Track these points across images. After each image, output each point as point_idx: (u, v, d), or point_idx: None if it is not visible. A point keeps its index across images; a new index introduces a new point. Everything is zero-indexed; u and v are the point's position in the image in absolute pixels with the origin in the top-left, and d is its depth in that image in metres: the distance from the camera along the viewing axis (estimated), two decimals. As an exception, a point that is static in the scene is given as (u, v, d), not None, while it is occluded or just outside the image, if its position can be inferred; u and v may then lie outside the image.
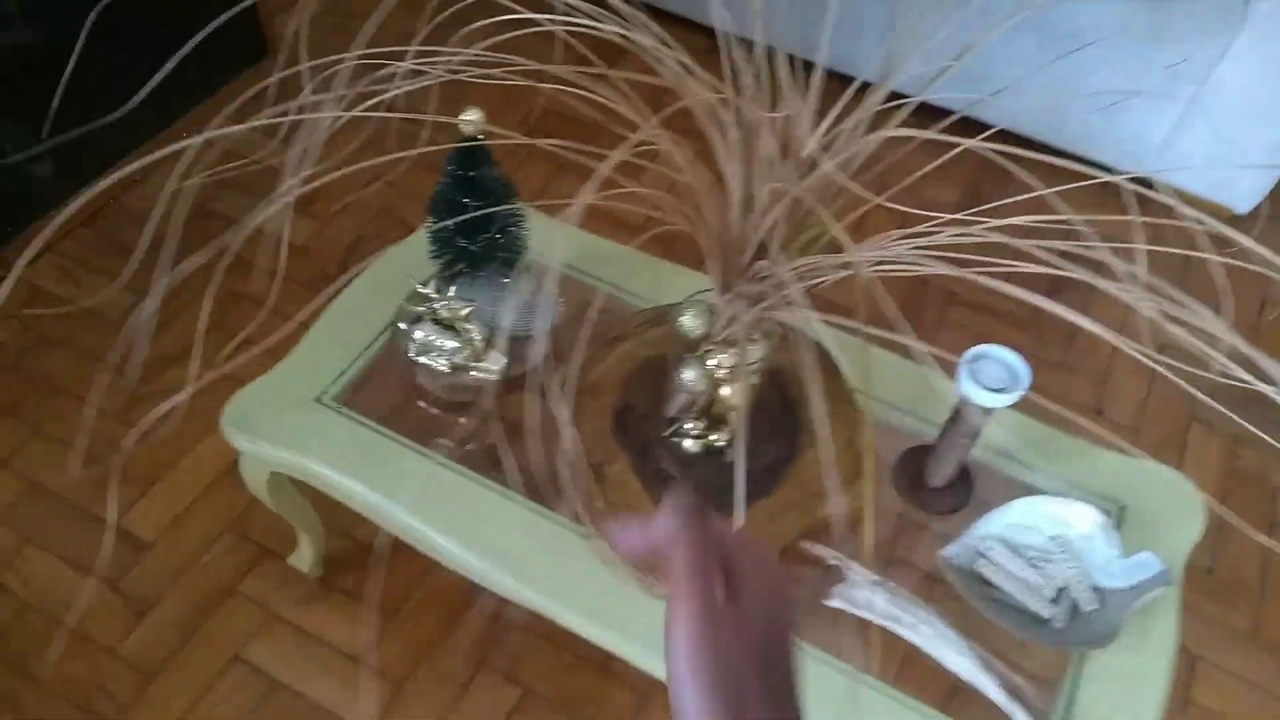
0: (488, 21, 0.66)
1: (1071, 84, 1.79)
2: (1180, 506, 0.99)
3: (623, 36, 0.67)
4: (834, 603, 0.89)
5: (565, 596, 0.89)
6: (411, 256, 1.12)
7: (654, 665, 0.87)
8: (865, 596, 0.88)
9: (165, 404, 0.65)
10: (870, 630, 0.88)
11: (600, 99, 0.70)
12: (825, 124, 0.71)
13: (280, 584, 1.27)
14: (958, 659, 0.83)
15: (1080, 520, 0.92)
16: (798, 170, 0.74)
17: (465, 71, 0.67)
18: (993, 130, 0.66)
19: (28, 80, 1.44)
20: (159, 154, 0.60)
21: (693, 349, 0.86)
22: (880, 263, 0.66)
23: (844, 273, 0.68)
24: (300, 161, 0.65)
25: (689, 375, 0.86)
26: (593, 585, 0.89)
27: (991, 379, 0.86)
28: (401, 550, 1.32)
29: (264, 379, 1.03)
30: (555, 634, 1.23)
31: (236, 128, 0.63)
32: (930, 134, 0.65)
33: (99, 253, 1.64)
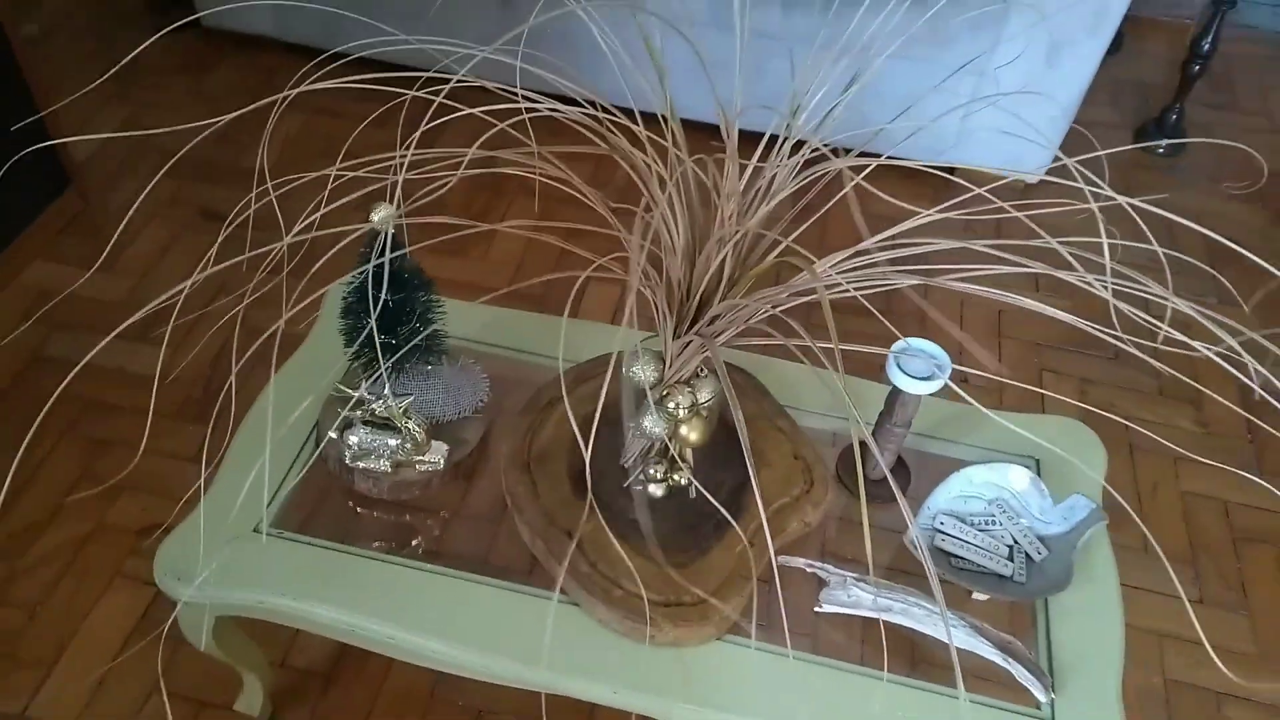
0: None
1: (868, 97, 1.94)
2: (1083, 449, 1.10)
3: (554, 111, 0.69)
4: (826, 609, 0.93)
5: (570, 668, 0.89)
6: (311, 364, 1.09)
7: (662, 710, 0.87)
8: (852, 595, 0.92)
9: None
10: (871, 627, 0.92)
11: (538, 175, 0.72)
12: (747, 176, 0.75)
13: (227, 735, 1.19)
14: (955, 631, 0.89)
15: (1012, 480, 1.01)
16: (731, 221, 0.78)
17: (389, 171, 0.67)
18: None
19: None
20: None
21: (642, 397, 0.89)
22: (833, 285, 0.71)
23: (809, 298, 0.73)
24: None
25: (651, 423, 0.88)
26: (593, 649, 0.89)
27: (917, 369, 0.94)
28: (348, 662, 1.26)
29: (189, 521, 0.96)
30: (524, 708, 1.21)
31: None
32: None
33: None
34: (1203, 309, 0.64)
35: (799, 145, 0.81)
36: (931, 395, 0.93)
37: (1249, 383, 0.62)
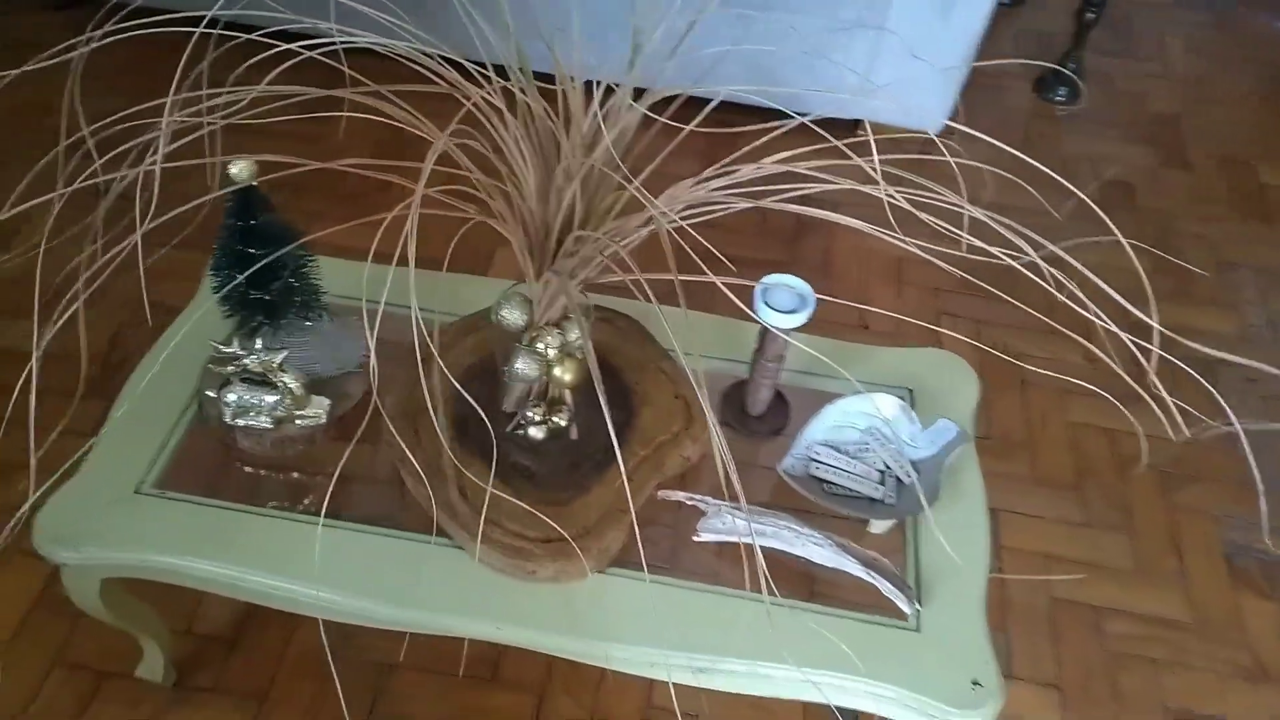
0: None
1: (770, 52, 1.97)
2: (954, 378, 1.14)
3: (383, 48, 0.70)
4: (703, 537, 0.96)
5: (450, 607, 0.90)
6: (197, 326, 1.09)
7: (548, 644, 0.90)
8: (727, 523, 0.95)
9: None
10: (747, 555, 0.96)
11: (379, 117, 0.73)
12: (593, 110, 0.77)
13: (132, 702, 1.19)
14: (820, 551, 0.92)
15: (883, 408, 1.05)
16: (580, 153, 0.79)
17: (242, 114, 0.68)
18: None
19: None
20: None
21: (514, 341, 0.90)
22: (683, 210, 0.73)
23: (648, 229, 0.75)
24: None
25: (522, 365, 0.90)
26: (474, 588, 0.91)
27: (784, 303, 0.97)
28: (251, 627, 1.27)
29: (71, 484, 0.96)
30: (432, 662, 1.23)
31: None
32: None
33: None
34: (996, 217, 0.68)
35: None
36: (798, 330, 0.96)
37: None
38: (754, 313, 0.96)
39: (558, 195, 0.78)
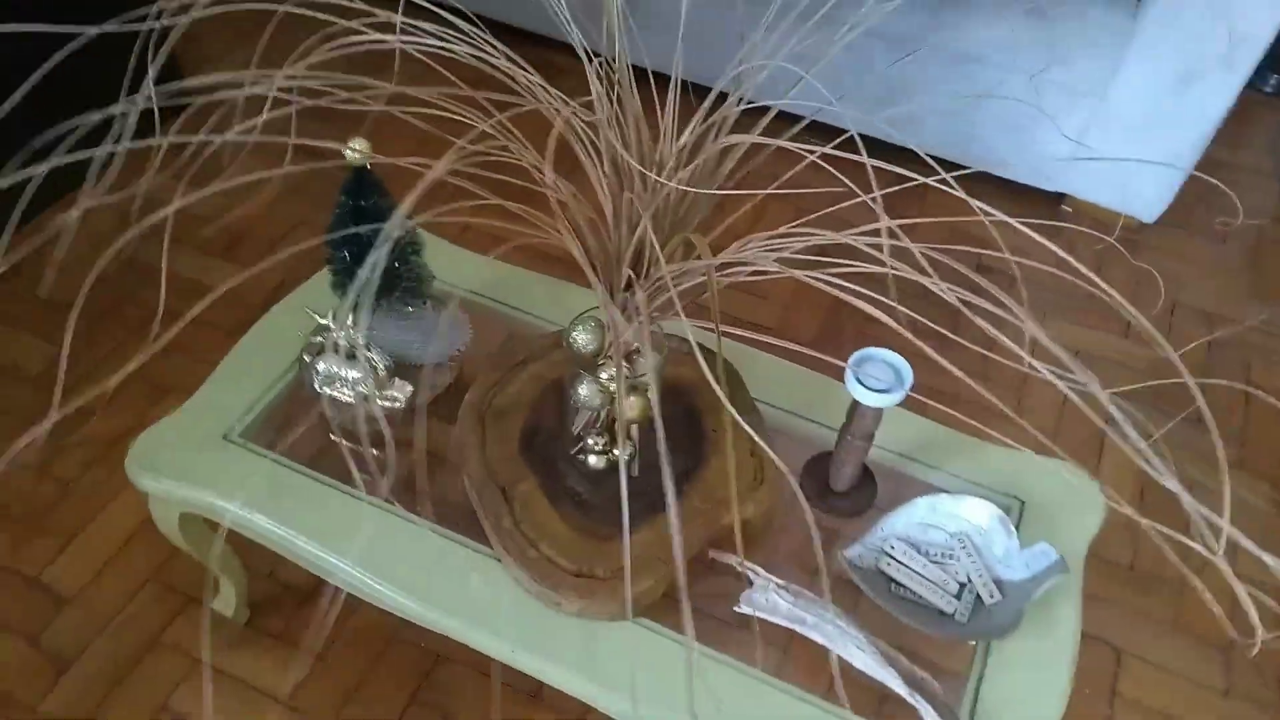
0: (333, 47, 0.68)
1: (973, 105, 1.85)
2: (1077, 500, 1.02)
3: (476, 59, 0.69)
4: (743, 609, 0.90)
5: (481, 622, 0.89)
6: (319, 291, 1.13)
7: (575, 685, 0.87)
8: (770, 600, 0.89)
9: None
10: (780, 635, 0.89)
11: (466, 119, 0.72)
12: (686, 136, 0.73)
13: (207, 629, 1.26)
14: (860, 655, 0.84)
15: (979, 516, 0.95)
16: (664, 180, 0.76)
17: (330, 96, 0.69)
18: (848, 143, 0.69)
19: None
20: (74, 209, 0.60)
21: (589, 366, 0.88)
22: (732, 267, 0.68)
23: (701, 278, 0.70)
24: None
25: (584, 391, 0.87)
26: (510, 609, 0.90)
27: (877, 380, 0.89)
28: (326, 585, 1.32)
29: (169, 418, 1.02)
30: (484, 663, 1.23)
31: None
32: (778, 141, 0.68)
33: (20, 305, 1.63)
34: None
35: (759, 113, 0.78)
36: (895, 407, 0.89)
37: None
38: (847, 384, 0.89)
39: (630, 217, 0.75)
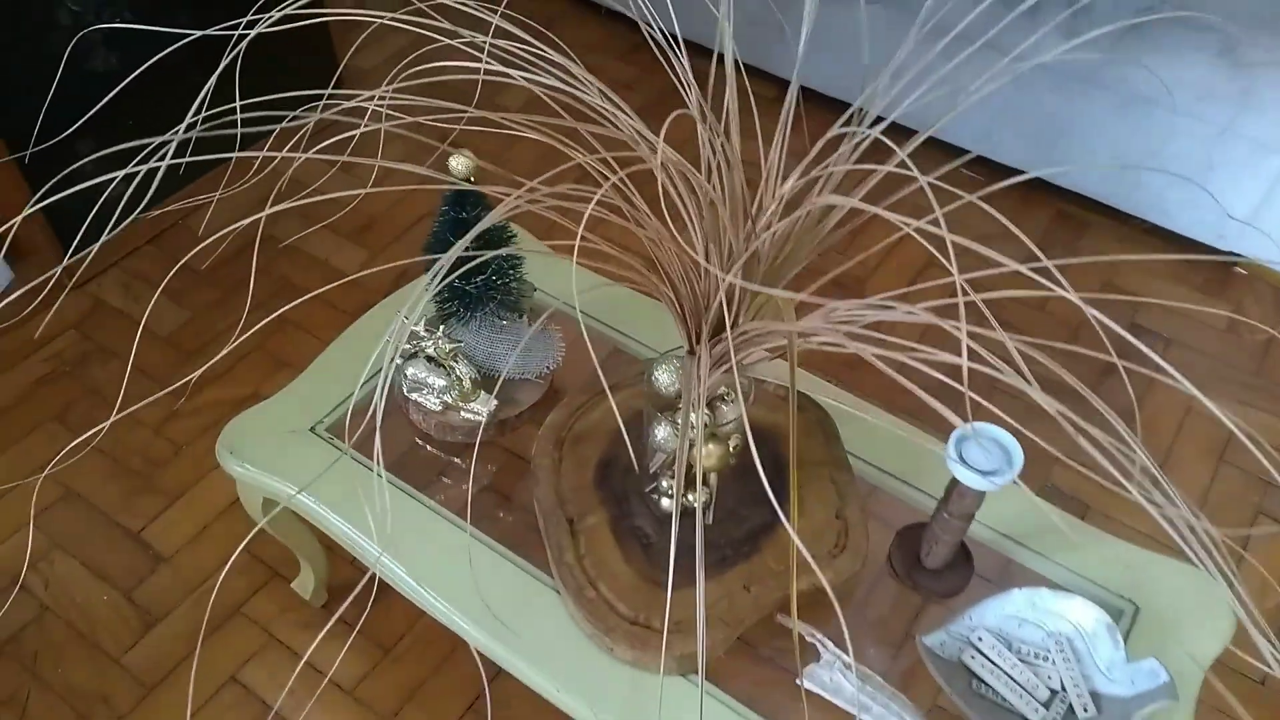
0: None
1: (1148, 149, 1.70)
2: (1200, 611, 0.91)
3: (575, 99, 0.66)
4: (805, 684, 0.84)
5: (530, 655, 0.86)
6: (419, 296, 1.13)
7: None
8: (834, 681, 0.83)
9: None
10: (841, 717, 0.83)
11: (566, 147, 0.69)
12: (789, 185, 0.68)
13: (285, 608, 1.29)
14: (923, 759, 0.77)
15: (1084, 617, 0.85)
16: (758, 231, 0.71)
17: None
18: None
19: (109, 104, 1.52)
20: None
21: (669, 407, 0.84)
22: (810, 335, 0.62)
23: (781, 341, 0.65)
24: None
25: (662, 434, 0.83)
26: (561, 645, 0.87)
27: (984, 459, 0.81)
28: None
29: (262, 405, 1.04)
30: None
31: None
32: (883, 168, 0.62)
33: (161, 270, 1.71)
34: None
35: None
36: (1033, 494, 0.81)
37: None
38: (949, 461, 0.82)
39: (727, 259, 0.70)
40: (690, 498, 0.90)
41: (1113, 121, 1.70)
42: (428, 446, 1.03)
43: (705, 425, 0.81)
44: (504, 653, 0.87)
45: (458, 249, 0.59)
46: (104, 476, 1.42)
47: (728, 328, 0.66)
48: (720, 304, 0.71)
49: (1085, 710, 0.82)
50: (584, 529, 0.91)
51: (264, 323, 1.50)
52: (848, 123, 0.69)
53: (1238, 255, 1.74)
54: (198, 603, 1.29)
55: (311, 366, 1.08)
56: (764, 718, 0.83)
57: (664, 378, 0.81)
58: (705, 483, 0.89)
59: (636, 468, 0.92)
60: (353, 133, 0.65)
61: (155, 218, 1.72)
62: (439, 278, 0.61)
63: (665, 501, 0.90)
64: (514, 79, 0.66)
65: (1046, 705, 0.83)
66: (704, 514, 0.90)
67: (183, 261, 1.49)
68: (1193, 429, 1.55)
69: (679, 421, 0.82)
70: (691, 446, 0.83)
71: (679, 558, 0.89)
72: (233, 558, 1.31)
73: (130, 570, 1.32)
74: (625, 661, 0.85)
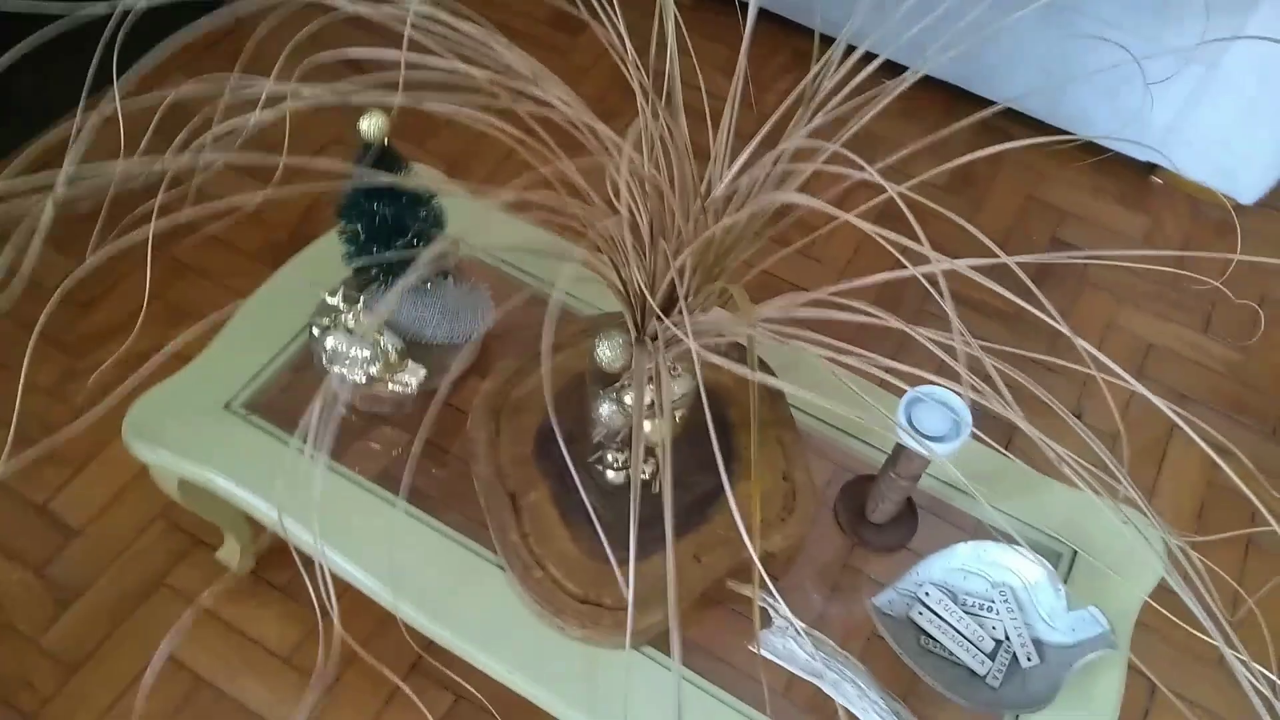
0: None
1: (1072, 62, 1.68)
2: (1133, 555, 0.93)
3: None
4: (761, 652, 0.84)
5: (477, 637, 0.84)
6: (330, 254, 1.05)
7: (556, 708, 0.82)
8: (788, 649, 0.83)
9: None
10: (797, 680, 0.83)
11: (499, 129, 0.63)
12: (723, 187, 0.63)
13: (209, 577, 1.23)
14: (878, 724, 0.78)
15: (1026, 567, 0.87)
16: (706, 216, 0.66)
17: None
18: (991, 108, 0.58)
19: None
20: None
21: (612, 382, 0.80)
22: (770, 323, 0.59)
23: (733, 336, 0.61)
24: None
25: (606, 412, 0.80)
26: (510, 625, 0.84)
27: (933, 423, 0.80)
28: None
29: (170, 382, 0.97)
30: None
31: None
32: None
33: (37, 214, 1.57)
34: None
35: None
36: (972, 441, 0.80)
37: None
38: (898, 424, 0.80)
39: (670, 253, 0.65)
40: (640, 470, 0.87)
41: (1037, 32, 1.67)
42: (353, 417, 0.98)
43: (651, 405, 0.78)
44: (449, 635, 0.85)
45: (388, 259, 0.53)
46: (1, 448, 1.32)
47: (685, 314, 0.62)
48: (670, 286, 0.67)
49: (1029, 660, 0.84)
50: (526, 505, 0.88)
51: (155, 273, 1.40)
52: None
53: (1156, 164, 1.76)
54: (116, 577, 1.23)
55: (217, 339, 1.00)
56: (720, 685, 0.83)
57: (607, 353, 0.77)
58: (651, 454, 0.86)
59: (584, 437, 0.89)
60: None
61: (28, 158, 1.56)
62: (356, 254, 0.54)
63: (610, 474, 0.87)
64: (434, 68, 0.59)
65: (991, 656, 0.85)
66: (652, 484, 0.87)
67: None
68: (1114, 342, 1.58)
69: (624, 400, 0.78)
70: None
71: (626, 527, 0.88)
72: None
73: (40, 546, 1.25)
74: (576, 638, 0.83)
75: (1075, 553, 0.93)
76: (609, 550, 0.85)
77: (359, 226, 0.87)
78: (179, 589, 1.23)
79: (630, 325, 0.72)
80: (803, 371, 1.01)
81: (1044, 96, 1.75)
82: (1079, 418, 1.49)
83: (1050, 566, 0.86)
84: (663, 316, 0.65)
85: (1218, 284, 1.59)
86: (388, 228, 0.87)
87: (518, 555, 0.85)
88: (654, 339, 0.72)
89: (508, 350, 0.99)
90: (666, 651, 0.84)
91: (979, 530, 0.94)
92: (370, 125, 0.79)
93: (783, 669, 0.83)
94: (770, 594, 0.86)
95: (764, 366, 0.98)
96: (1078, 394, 1.51)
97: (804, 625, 0.84)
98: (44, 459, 1.31)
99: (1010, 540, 0.89)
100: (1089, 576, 0.91)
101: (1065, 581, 0.91)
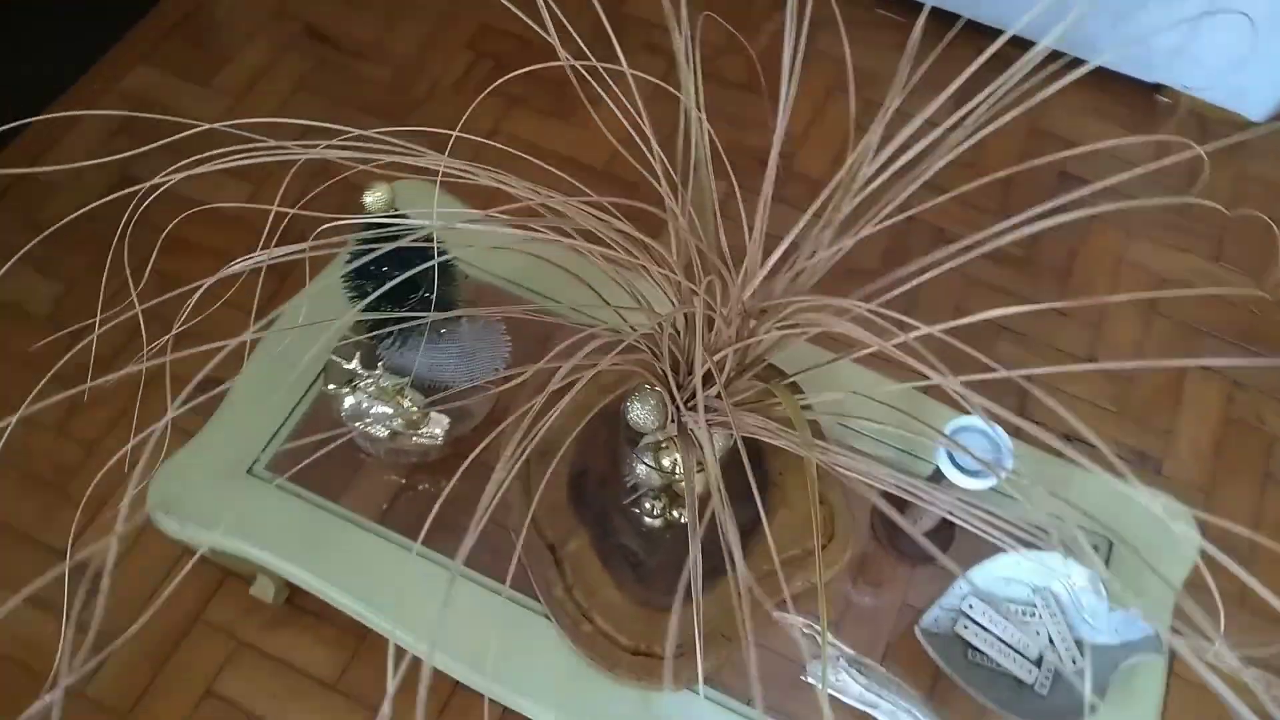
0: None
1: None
2: (1167, 543, 0.93)
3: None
4: (810, 680, 0.85)
5: (528, 689, 0.85)
6: (332, 292, 1.02)
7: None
8: (840, 679, 0.83)
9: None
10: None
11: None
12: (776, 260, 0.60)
13: (246, 609, 1.24)
14: (935, 757, 0.80)
15: (1070, 571, 0.87)
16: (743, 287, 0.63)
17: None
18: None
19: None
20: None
21: (639, 442, 0.78)
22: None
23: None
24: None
25: (642, 471, 0.78)
26: (560, 672, 0.85)
27: (971, 442, 0.79)
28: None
29: (188, 449, 0.95)
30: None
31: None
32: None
33: (15, 235, 1.51)
34: None
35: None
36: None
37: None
38: (937, 460, 0.79)
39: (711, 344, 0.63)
40: (676, 514, 0.86)
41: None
42: (368, 474, 0.96)
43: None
44: (501, 690, 0.85)
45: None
46: (16, 493, 1.31)
47: (724, 399, 0.61)
48: (704, 369, 0.64)
49: (1074, 662, 0.86)
50: (568, 555, 0.87)
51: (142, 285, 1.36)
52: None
53: (1161, 84, 1.71)
54: (151, 618, 1.23)
55: (229, 396, 0.98)
56: (778, 715, 0.84)
57: (642, 416, 0.75)
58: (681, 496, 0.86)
59: (616, 476, 0.88)
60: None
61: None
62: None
63: (648, 519, 0.86)
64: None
65: (1038, 664, 0.86)
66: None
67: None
68: (1125, 278, 1.56)
69: (661, 461, 0.77)
70: (680, 480, 0.79)
71: (668, 571, 0.88)
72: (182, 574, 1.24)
73: (68, 593, 1.24)
74: (629, 682, 0.84)
75: (1110, 547, 0.93)
76: (652, 597, 0.85)
77: (367, 286, 0.84)
78: (216, 624, 1.23)
79: (667, 399, 0.70)
80: (842, 379, 0.99)
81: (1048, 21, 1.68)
82: (1093, 360, 1.49)
83: (1093, 569, 0.86)
84: (702, 406, 0.63)
85: (1228, 211, 1.56)
86: (399, 288, 0.84)
87: (565, 611, 0.85)
88: (691, 408, 0.71)
89: (528, 386, 0.97)
90: (719, 686, 0.85)
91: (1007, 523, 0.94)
92: (375, 200, 0.75)
93: (835, 699, 0.84)
94: (815, 624, 0.86)
95: (791, 386, 0.96)
96: (1091, 337, 1.50)
97: (854, 653, 0.84)
98: (61, 503, 1.30)
99: (1053, 545, 0.89)
100: (1127, 569, 0.92)
101: (1106, 566, 0.92)
